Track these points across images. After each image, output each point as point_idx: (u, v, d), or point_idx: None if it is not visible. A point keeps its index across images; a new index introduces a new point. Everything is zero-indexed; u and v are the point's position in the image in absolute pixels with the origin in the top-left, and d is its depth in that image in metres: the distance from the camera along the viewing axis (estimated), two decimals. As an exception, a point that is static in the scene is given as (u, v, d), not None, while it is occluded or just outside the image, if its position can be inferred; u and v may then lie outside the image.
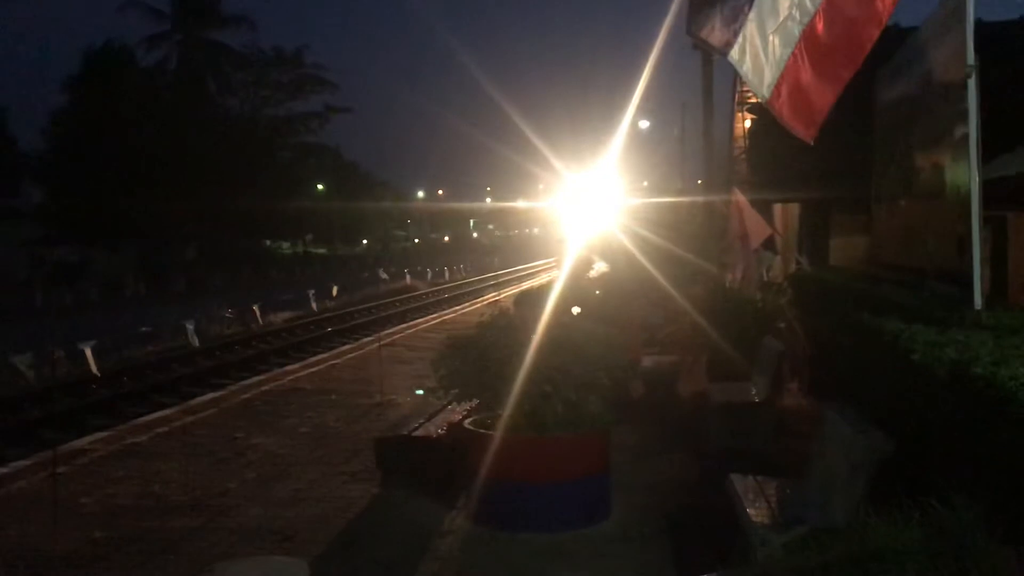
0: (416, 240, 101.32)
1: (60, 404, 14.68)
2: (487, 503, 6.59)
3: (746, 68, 5.80)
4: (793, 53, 5.68)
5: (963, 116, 5.81)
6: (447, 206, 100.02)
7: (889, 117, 8.95)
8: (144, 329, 22.84)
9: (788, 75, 5.73)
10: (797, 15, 5.68)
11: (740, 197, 13.24)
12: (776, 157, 13.94)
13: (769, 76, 5.75)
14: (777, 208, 19.28)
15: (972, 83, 5.73)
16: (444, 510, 6.86)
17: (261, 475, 8.12)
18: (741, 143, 19.84)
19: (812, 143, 5.93)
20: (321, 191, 64.62)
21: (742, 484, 5.59)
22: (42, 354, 17.29)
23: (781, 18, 5.70)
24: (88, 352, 17.35)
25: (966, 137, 5.76)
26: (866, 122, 9.73)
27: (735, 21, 5.73)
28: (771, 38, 5.73)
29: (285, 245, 72.47)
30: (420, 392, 7.24)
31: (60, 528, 6.50)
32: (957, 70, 5.95)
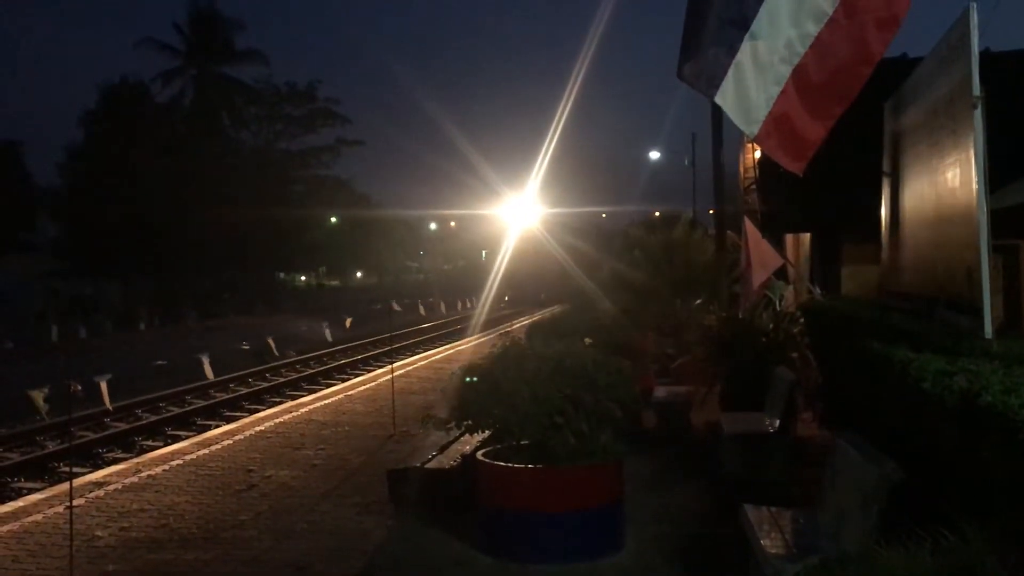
0: (427, 274, 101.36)
1: (76, 437, 14.74)
2: (499, 534, 6.59)
3: (731, 108, 6.00)
4: (783, 91, 5.84)
5: (970, 145, 5.85)
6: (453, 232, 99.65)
7: (898, 146, 8.99)
8: (159, 362, 22.95)
9: (777, 111, 5.89)
10: (787, 55, 5.83)
11: (750, 227, 13.26)
12: (786, 187, 13.98)
13: (757, 113, 5.91)
14: (789, 238, 19.29)
15: (978, 113, 5.78)
16: (456, 541, 6.86)
17: (275, 507, 8.14)
18: (752, 173, 19.89)
19: (801, 175, 6.06)
20: (334, 223, 64.96)
21: (756, 514, 5.58)
22: (58, 387, 17.39)
23: (771, 59, 5.86)
24: (103, 386, 17.43)
25: (973, 166, 5.79)
26: (877, 151, 9.78)
27: (720, 64, 5.95)
28: (761, 77, 5.88)
29: (299, 277, 72.76)
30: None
31: (75, 561, 6.52)
32: (963, 100, 6.01)
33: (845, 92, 5.79)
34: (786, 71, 5.83)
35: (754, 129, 5.98)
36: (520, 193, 43.48)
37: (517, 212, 44.96)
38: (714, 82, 6.00)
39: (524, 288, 57.14)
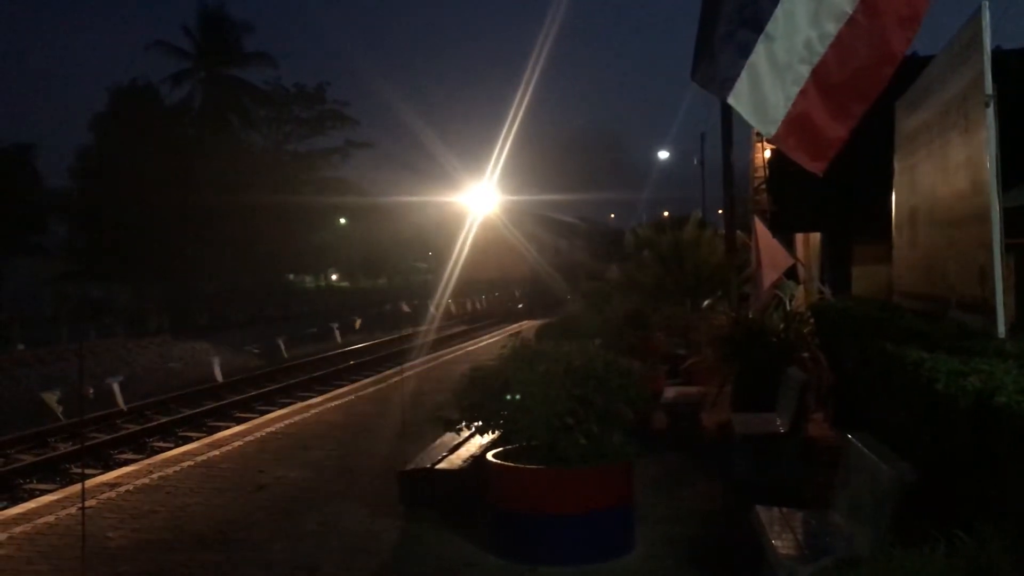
0: (436, 274, 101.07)
1: (88, 439, 14.82)
2: (510, 536, 6.59)
3: (746, 109, 5.98)
4: (802, 91, 5.81)
5: (982, 144, 5.84)
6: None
7: (909, 146, 8.97)
8: (170, 364, 23.02)
9: (796, 111, 5.85)
10: (806, 55, 5.80)
11: (760, 227, 13.24)
12: (796, 187, 13.95)
13: (774, 113, 5.88)
14: (799, 237, 19.25)
15: (991, 112, 5.76)
16: (467, 543, 6.86)
17: (286, 508, 8.15)
18: (761, 173, 19.86)
19: (821, 175, 6.03)
20: (343, 225, 65.02)
21: (767, 515, 5.57)
22: (70, 389, 17.48)
23: (790, 59, 5.84)
24: (116, 387, 17.52)
25: (985, 165, 5.78)
26: (887, 151, 9.75)
27: (734, 66, 5.94)
28: (778, 78, 5.86)
29: (308, 279, 72.83)
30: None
31: (88, 562, 6.54)
32: (975, 99, 5.99)
33: (866, 91, 5.75)
34: (805, 71, 5.80)
35: (771, 129, 5.95)
36: (484, 180, 41.20)
37: (481, 201, 41.44)
38: (727, 84, 5.98)
39: (491, 291, 48.78)
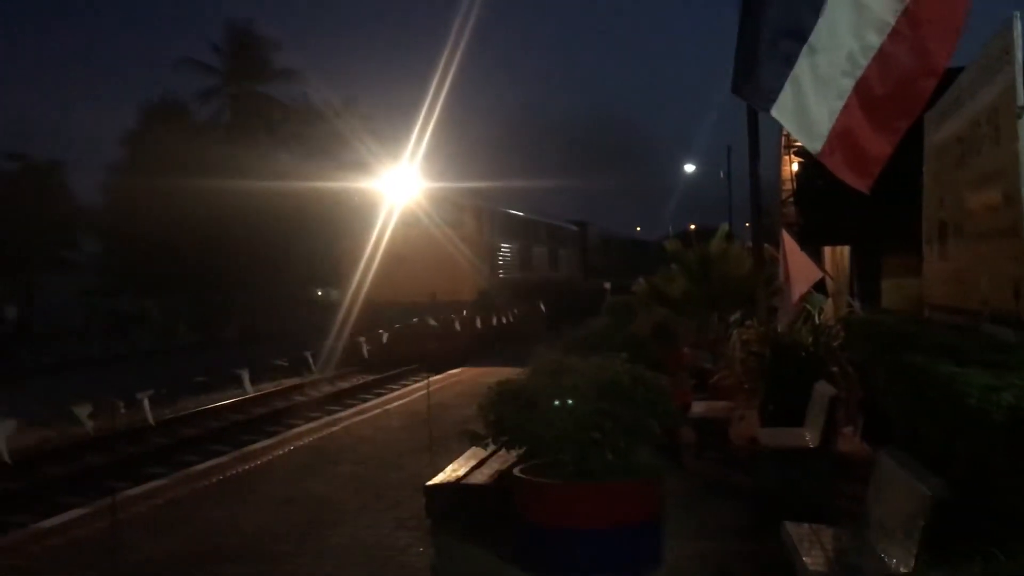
0: None
1: (118, 453, 14.95)
2: (536, 551, 6.56)
3: (791, 123, 5.86)
4: (846, 105, 5.71)
5: (1014, 156, 5.77)
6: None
7: (939, 158, 8.89)
8: (199, 378, 23.16)
9: (840, 127, 5.74)
10: (849, 68, 5.70)
11: (788, 240, 13.15)
12: (824, 200, 13.86)
13: (820, 128, 5.78)
14: (827, 251, 19.11)
15: (1023, 123, 5.70)
16: (493, 557, 6.83)
17: (313, 522, 8.18)
18: (789, 186, 19.75)
19: (868, 192, 5.92)
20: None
21: (797, 532, 5.51)
22: (100, 403, 17.60)
23: (832, 72, 5.74)
24: (145, 402, 17.61)
25: (1018, 177, 5.71)
26: (916, 163, 9.67)
27: (777, 78, 5.81)
28: (822, 91, 5.77)
29: (334, 292, 73.12)
30: None
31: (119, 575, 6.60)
32: (1007, 110, 5.93)
33: (909, 106, 5.64)
34: (849, 84, 5.69)
35: (817, 145, 5.84)
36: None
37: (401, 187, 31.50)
38: (771, 96, 5.85)
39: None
